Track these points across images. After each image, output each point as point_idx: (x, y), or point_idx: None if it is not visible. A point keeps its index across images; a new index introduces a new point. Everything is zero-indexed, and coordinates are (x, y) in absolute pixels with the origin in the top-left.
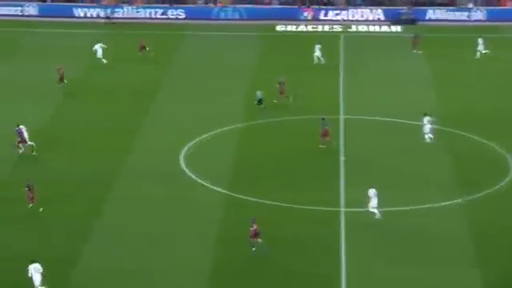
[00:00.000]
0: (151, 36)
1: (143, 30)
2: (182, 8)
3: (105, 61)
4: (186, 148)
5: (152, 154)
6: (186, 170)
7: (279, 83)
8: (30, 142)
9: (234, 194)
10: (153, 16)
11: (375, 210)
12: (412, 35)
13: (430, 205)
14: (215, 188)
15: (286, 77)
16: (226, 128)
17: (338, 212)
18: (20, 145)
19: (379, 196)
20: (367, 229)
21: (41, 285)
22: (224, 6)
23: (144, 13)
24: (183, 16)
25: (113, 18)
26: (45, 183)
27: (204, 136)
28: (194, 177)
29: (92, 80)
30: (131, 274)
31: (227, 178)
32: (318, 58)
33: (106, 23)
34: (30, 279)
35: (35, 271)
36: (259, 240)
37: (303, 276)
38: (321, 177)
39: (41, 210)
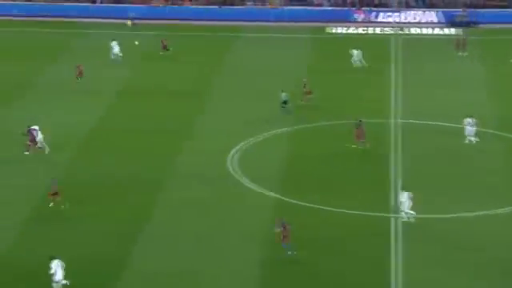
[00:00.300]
0: (200, 37)
1: (188, 31)
2: (232, 9)
3: (120, 54)
4: (234, 150)
5: (200, 156)
6: (234, 173)
7: (304, 84)
8: (41, 145)
9: (281, 197)
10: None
11: (409, 212)
12: (459, 37)
13: (484, 212)
14: (263, 191)
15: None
16: (275, 131)
17: (388, 218)
18: (30, 146)
19: (431, 201)
20: (418, 236)
21: (63, 279)
22: (273, 8)
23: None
24: (234, 17)
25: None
26: (94, 184)
27: (253, 138)
28: (241, 179)
29: (141, 81)
30: (179, 276)
31: (275, 181)
32: (360, 62)
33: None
34: (52, 275)
35: (58, 267)
36: (285, 242)
37: (352, 281)
38: (370, 182)
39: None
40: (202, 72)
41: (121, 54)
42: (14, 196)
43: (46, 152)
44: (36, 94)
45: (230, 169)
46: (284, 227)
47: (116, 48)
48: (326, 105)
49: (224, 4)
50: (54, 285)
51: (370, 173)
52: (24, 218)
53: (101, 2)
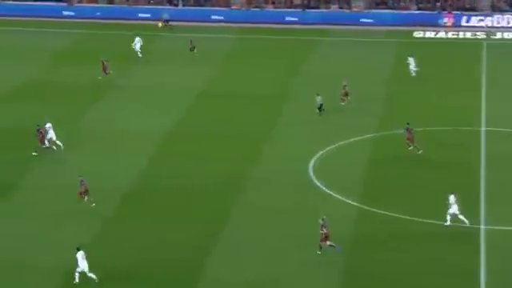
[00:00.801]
0: (282, 41)
1: (270, 34)
2: (316, 12)
3: (140, 55)
4: (316, 157)
5: (279, 162)
6: (314, 180)
7: (344, 86)
8: (48, 144)
9: (363, 207)
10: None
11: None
12: None
13: None
14: (343, 199)
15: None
16: (357, 138)
17: (478, 229)
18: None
19: None
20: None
21: (88, 271)
22: (359, 11)
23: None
24: (317, 21)
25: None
26: (172, 189)
27: (334, 145)
28: (322, 187)
29: (220, 84)
30: (256, 284)
31: (357, 190)
32: (414, 71)
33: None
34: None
35: (82, 257)
36: (328, 243)
37: None
38: (458, 192)
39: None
40: (283, 76)
41: (140, 51)
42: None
43: (62, 148)
44: (116, 95)
45: (310, 175)
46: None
47: (138, 44)
48: (409, 111)
49: (308, 7)
50: (77, 274)
51: (454, 182)
52: (105, 219)
53: (183, 5)
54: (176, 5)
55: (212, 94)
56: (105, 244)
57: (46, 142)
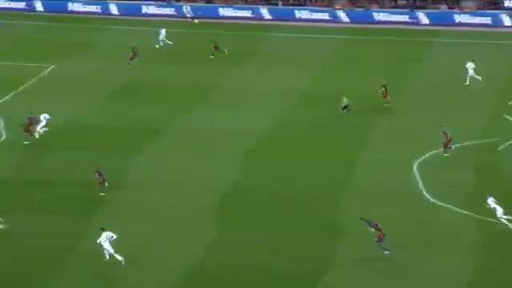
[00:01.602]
0: (389, 42)
1: (375, 35)
2: (424, 13)
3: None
4: (417, 163)
5: (381, 168)
6: (419, 187)
7: (383, 86)
8: (36, 133)
9: (475, 215)
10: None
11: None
12: None
13: None
14: (450, 207)
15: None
16: (462, 144)
17: None
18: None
19: None
20: None
21: (115, 251)
22: (470, 11)
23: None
24: (427, 21)
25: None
26: (269, 193)
27: (436, 151)
28: (427, 194)
29: (323, 85)
30: None
31: (463, 198)
32: (473, 78)
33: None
34: (101, 247)
35: (107, 238)
36: (381, 243)
37: None
38: None
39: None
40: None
41: (161, 42)
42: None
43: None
44: (218, 96)
45: (415, 182)
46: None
47: (161, 35)
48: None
49: (415, 7)
50: (116, 255)
51: None
52: (214, 221)
53: (283, 5)
54: (276, 4)
55: (313, 96)
56: (211, 248)
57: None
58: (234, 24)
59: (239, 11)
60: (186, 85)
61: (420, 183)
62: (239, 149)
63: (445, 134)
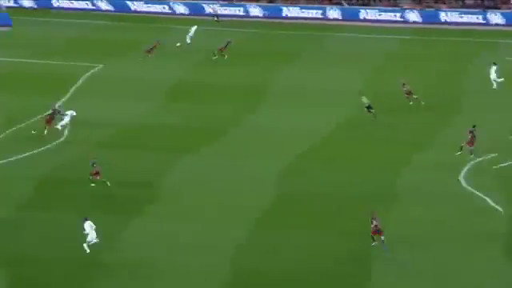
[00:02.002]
0: (455, 43)
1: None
2: (498, 13)
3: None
4: (468, 166)
5: (436, 171)
6: (475, 191)
7: (403, 85)
8: (60, 127)
9: None
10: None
11: None
12: None
13: None
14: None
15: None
16: None
17: None
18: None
19: None
20: None
21: (96, 237)
22: None
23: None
24: (502, 22)
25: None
26: (324, 195)
27: (491, 155)
28: (484, 198)
29: (384, 86)
30: None
31: None
32: (495, 82)
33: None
34: (86, 236)
35: (90, 228)
36: (382, 237)
37: None
38: None
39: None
40: (447, 81)
41: (188, 41)
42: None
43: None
44: (274, 97)
45: (469, 186)
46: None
47: (191, 32)
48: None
49: (487, 7)
50: (85, 245)
51: None
52: (253, 223)
53: (349, 5)
54: (342, 4)
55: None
56: (254, 248)
57: (59, 126)
58: (299, 24)
59: (304, 11)
60: (245, 84)
61: (469, 187)
62: (294, 149)
63: (473, 134)
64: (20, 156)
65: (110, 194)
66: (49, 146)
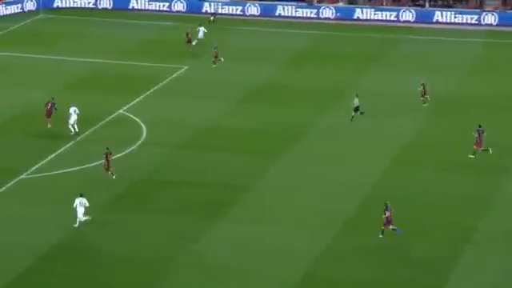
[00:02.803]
0: None
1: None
2: None
3: (194, 43)
4: None
5: None
6: None
7: (422, 85)
8: (71, 127)
9: None
10: None
11: None
12: None
13: None
14: None
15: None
16: None
17: None
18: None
19: None
20: None
21: (85, 214)
22: None
23: None
24: None
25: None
26: (408, 202)
27: None
28: None
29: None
30: None
31: None
32: None
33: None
34: (74, 210)
35: (80, 204)
36: (390, 227)
37: None
38: None
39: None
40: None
41: (197, 40)
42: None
43: (72, 134)
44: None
45: None
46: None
47: (200, 33)
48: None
49: None
50: (77, 220)
51: None
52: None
53: (429, 6)
54: (422, 5)
55: (453, 102)
56: (335, 256)
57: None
58: (373, 25)
59: (379, 12)
60: (320, 86)
61: None
62: (379, 154)
63: (479, 134)
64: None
65: (194, 196)
66: (133, 147)
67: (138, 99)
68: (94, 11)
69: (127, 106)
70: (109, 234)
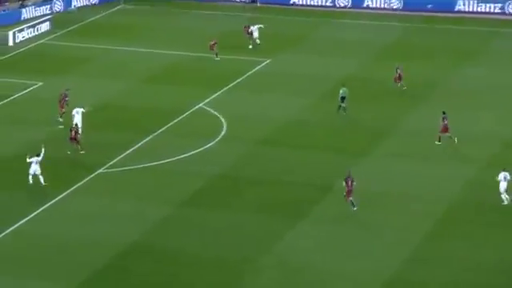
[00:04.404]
0: None
1: None
2: None
3: (258, 41)
4: None
5: None
6: None
7: (396, 69)
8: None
9: None
10: None
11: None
12: None
13: None
14: None
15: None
16: None
17: None
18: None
19: None
20: None
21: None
22: None
23: None
24: None
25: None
26: (493, 206)
27: None
28: None
29: None
30: None
31: None
32: None
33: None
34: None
35: (34, 162)
36: (351, 198)
37: None
38: None
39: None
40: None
41: (258, 41)
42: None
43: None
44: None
45: None
46: (348, 182)
47: (256, 33)
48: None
49: None
50: (30, 177)
51: None
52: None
53: None
54: None
55: None
56: (423, 259)
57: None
58: (471, 18)
59: (481, 4)
60: (410, 82)
61: None
62: (471, 154)
63: (444, 120)
64: (187, 154)
65: (276, 195)
66: (213, 142)
67: (218, 93)
68: (175, 2)
69: (207, 100)
70: (188, 232)
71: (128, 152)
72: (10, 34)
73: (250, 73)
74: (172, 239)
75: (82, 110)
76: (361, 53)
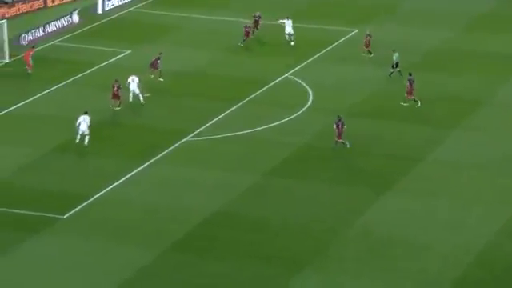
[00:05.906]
0: None
1: None
2: None
3: (292, 43)
4: None
5: None
6: None
7: (366, 36)
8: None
9: None
10: None
11: None
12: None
13: None
14: None
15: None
16: None
17: None
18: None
19: None
20: None
21: (86, 133)
22: None
23: None
24: None
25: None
26: None
27: None
28: None
29: None
30: None
31: None
32: None
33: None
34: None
35: (83, 121)
36: (340, 140)
37: None
38: None
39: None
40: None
41: (292, 37)
42: None
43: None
44: None
45: None
46: (338, 125)
47: (288, 28)
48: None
49: None
50: (78, 136)
51: None
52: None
53: None
54: None
55: None
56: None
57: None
58: None
59: None
60: (502, 54)
61: None
62: None
63: (410, 83)
64: (274, 124)
65: (361, 166)
66: (299, 112)
67: (305, 63)
68: None
69: (294, 70)
70: (273, 201)
71: (215, 120)
72: (100, 2)
73: (337, 42)
74: (257, 208)
75: (137, 80)
76: (451, 23)
